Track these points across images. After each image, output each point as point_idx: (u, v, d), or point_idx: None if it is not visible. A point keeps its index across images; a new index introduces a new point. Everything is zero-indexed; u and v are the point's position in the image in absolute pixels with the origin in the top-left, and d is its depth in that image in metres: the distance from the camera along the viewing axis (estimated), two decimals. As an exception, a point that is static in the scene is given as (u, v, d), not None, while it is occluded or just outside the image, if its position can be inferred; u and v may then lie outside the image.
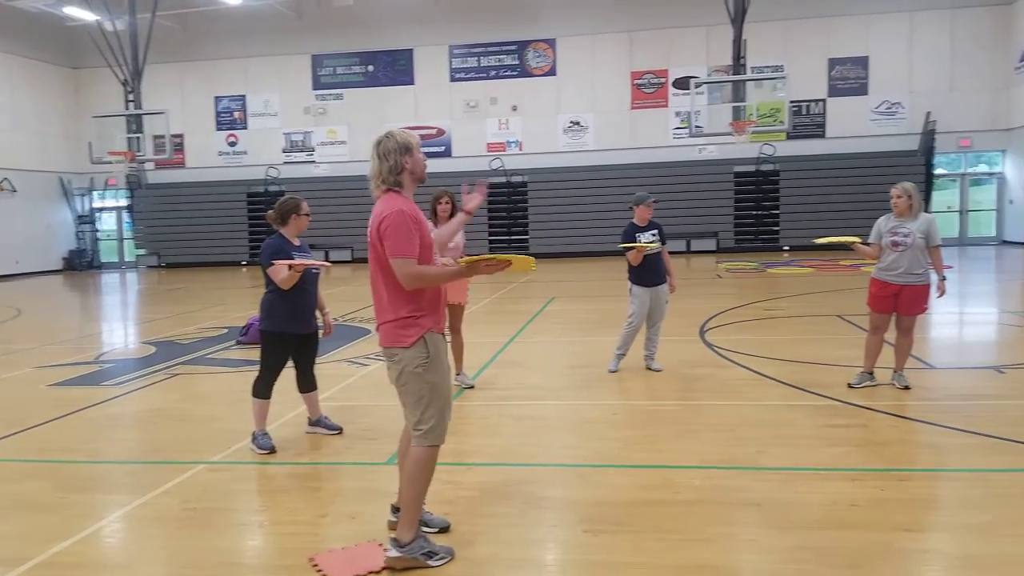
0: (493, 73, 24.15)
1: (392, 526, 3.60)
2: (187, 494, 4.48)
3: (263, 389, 5.25)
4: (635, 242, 7.00)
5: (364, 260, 20.94)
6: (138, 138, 17.25)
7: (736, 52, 16.42)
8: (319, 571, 3.40)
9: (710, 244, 23.27)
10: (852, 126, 22.91)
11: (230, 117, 25.54)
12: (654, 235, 7.11)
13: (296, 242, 5.26)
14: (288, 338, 5.24)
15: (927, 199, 22.02)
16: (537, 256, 22.71)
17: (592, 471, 4.65)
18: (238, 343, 9.61)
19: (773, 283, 14.74)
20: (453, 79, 24.33)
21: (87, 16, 21.42)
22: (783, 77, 17.18)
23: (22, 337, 11.44)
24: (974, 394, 6.06)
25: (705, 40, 22.97)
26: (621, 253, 7.08)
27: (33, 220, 24.50)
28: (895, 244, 6.15)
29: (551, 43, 23.88)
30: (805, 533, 3.63)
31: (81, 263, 25.87)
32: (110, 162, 17.86)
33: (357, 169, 24.58)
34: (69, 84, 25.95)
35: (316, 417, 5.59)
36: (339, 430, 5.51)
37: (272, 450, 5.15)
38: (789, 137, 22.92)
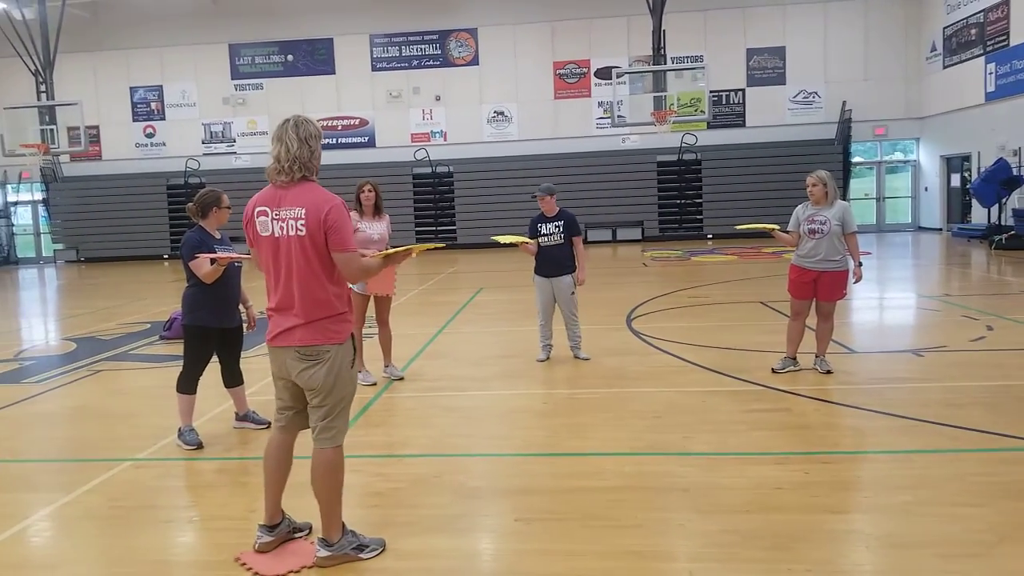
0: (415, 63, 23.83)
1: (263, 546, 3.44)
2: (113, 492, 4.32)
3: (187, 384, 5.11)
4: (536, 233, 7.08)
5: None
6: (52, 130, 16.31)
7: (656, 42, 16.64)
8: (248, 569, 3.29)
9: (635, 233, 23.59)
10: (771, 115, 23.54)
11: (147, 108, 24.45)
12: (557, 226, 7.12)
13: (217, 235, 5.11)
14: (211, 332, 5.07)
15: (845, 187, 22.87)
16: (464, 247, 22.85)
17: (521, 460, 4.62)
18: (161, 338, 9.27)
19: (697, 271, 15.03)
20: (375, 68, 23.89)
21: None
22: (702, 67, 17.51)
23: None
24: (894, 377, 6.27)
25: (626, 30, 23.19)
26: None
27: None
28: (812, 232, 6.30)
29: (473, 33, 23.71)
30: (732, 517, 3.67)
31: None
32: (23, 155, 16.86)
33: (278, 160, 23.95)
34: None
35: (243, 412, 5.43)
36: (267, 424, 5.33)
37: (199, 446, 5.01)
38: (710, 127, 23.41)
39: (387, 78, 23.93)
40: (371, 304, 6.61)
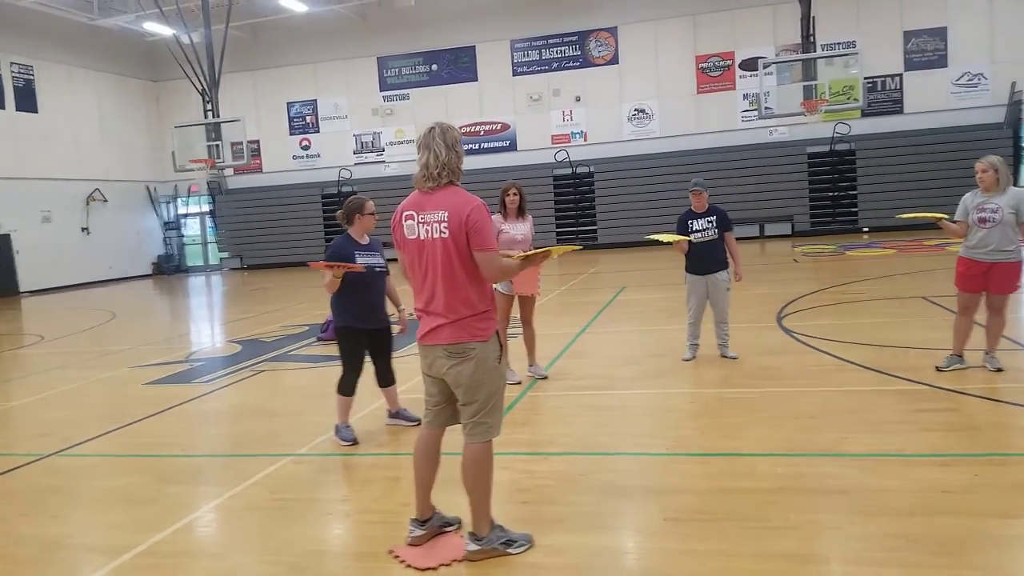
0: (555, 65, 24.06)
1: (415, 541, 3.59)
2: (275, 485, 4.65)
3: (346, 387, 5.39)
4: (687, 230, 6.94)
5: None
6: (217, 145, 17.93)
7: (805, 29, 15.92)
8: (401, 562, 3.48)
9: (785, 228, 22.64)
10: (932, 100, 21.88)
11: (302, 122, 26.23)
12: (710, 222, 6.95)
13: (364, 240, 5.37)
14: (359, 333, 5.35)
15: (1016, 173, 20.89)
16: (605, 247, 22.80)
17: (669, 459, 4.61)
18: (319, 339, 9.88)
19: (853, 266, 14.25)
20: (516, 73, 24.36)
21: (165, 31, 22.33)
22: (855, 53, 16.55)
23: (117, 339, 12.04)
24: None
25: (772, 19, 22.32)
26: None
27: (123, 228, 25.74)
28: (983, 220, 5.88)
29: (612, 31, 23.64)
30: (895, 520, 3.52)
31: (169, 267, 27.04)
32: (192, 169, 18.66)
33: (425, 167, 24.94)
34: (151, 97, 27.13)
35: (395, 409, 5.72)
36: (418, 421, 5.59)
37: (354, 442, 5.30)
38: (864, 114, 22.09)
39: (528, 81, 24.32)
40: (515, 304, 6.79)
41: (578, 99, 24.04)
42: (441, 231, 3.31)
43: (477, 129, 24.69)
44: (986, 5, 21.37)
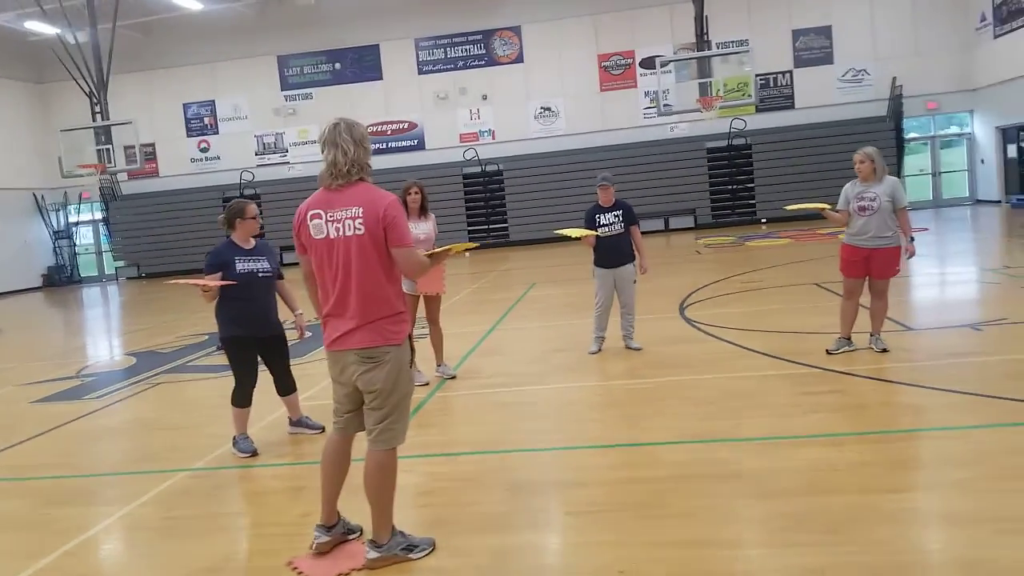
0: (461, 64, 24.04)
1: (320, 547, 3.51)
2: (168, 502, 4.45)
3: (239, 398, 5.21)
4: (595, 224, 7.03)
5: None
6: (107, 149, 17.04)
7: (699, 29, 16.42)
8: (299, 573, 3.37)
9: (688, 221, 23.33)
10: (820, 96, 23.03)
11: (200, 123, 25.27)
12: (616, 216, 7.08)
13: (248, 245, 5.16)
14: (246, 341, 5.15)
15: (899, 163, 22.21)
16: (517, 243, 22.94)
17: (574, 453, 4.65)
18: (217, 349, 9.53)
19: (751, 256, 14.80)
20: (421, 72, 24.20)
21: (49, 30, 21.07)
22: (747, 51, 17.18)
23: (2, 356, 11.31)
24: (952, 352, 6.11)
25: (670, 19, 22.94)
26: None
27: (8, 238, 24.21)
28: (862, 209, 6.18)
29: (516, 31, 23.79)
30: (786, 500, 3.65)
31: (60, 278, 25.59)
32: (81, 175, 17.68)
33: (330, 168, 24.44)
34: (37, 99, 25.56)
35: (297, 417, 5.56)
36: (321, 429, 5.47)
37: (254, 453, 5.11)
38: (759, 110, 23.03)
39: (434, 80, 24.19)
40: (421, 304, 6.72)
41: (485, 98, 24.08)
42: (356, 228, 3.18)
43: (384, 128, 24.39)
44: (867, 4, 22.61)
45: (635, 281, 7.18)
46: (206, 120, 25.18)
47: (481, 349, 8.06)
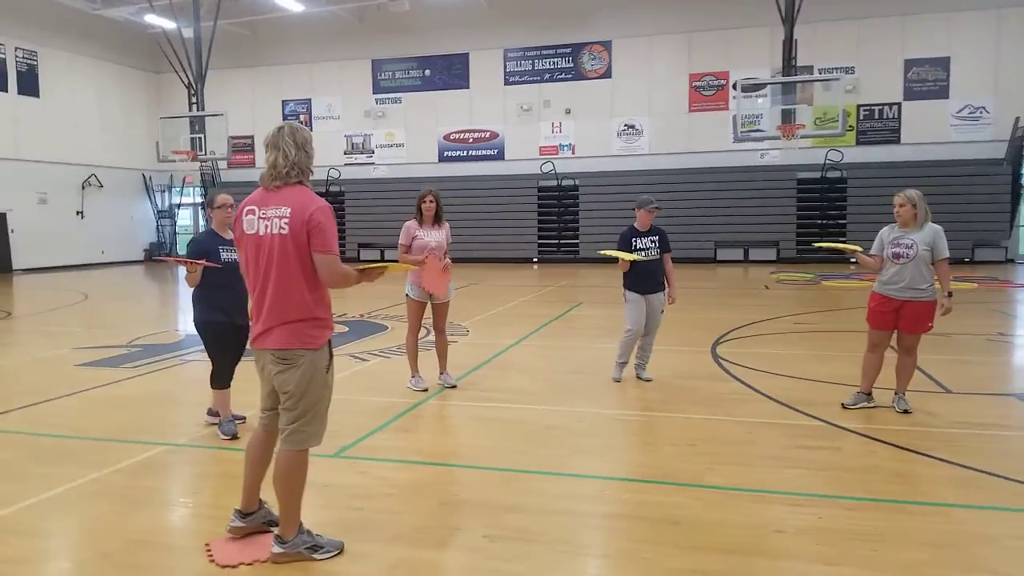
0: (547, 76, 24.04)
1: (235, 531, 3.54)
2: (138, 473, 4.63)
3: (218, 380, 5.34)
4: (630, 247, 6.80)
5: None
6: (200, 138, 17.94)
7: (787, 53, 15.81)
8: (209, 555, 3.42)
9: (770, 254, 22.48)
10: (930, 132, 21.71)
11: (296, 120, 26.24)
12: (653, 241, 6.87)
13: (228, 235, 5.24)
14: (222, 326, 5.24)
15: (1012, 212, 20.72)
16: (587, 261, 22.69)
17: (525, 477, 4.49)
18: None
19: (821, 296, 14.08)
20: (508, 82, 24.33)
21: (166, 23, 22.42)
22: (836, 79, 16.44)
23: (75, 320, 12.09)
24: (981, 423, 5.56)
25: (769, 40, 22.16)
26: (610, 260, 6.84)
27: (118, 213, 25.92)
28: (896, 256, 5.76)
29: (607, 45, 23.60)
30: (710, 556, 3.39)
31: (160, 255, 27.08)
32: (174, 160, 18.74)
33: (414, 171, 24.90)
34: (152, 87, 27.25)
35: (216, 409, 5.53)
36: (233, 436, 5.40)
37: (235, 436, 5.24)
38: (860, 143, 22.02)
39: (519, 92, 24.29)
40: (428, 312, 6.70)
41: (568, 111, 23.99)
42: (281, 227, 3.22)
43: (466, 136, 24.66)
44: (992, 36, 21.20)
45: (662, 311, 6.96)
46: (301, 117, 26.13)
47: (496, 362, 7.96)
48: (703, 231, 22.92)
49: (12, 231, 22.15)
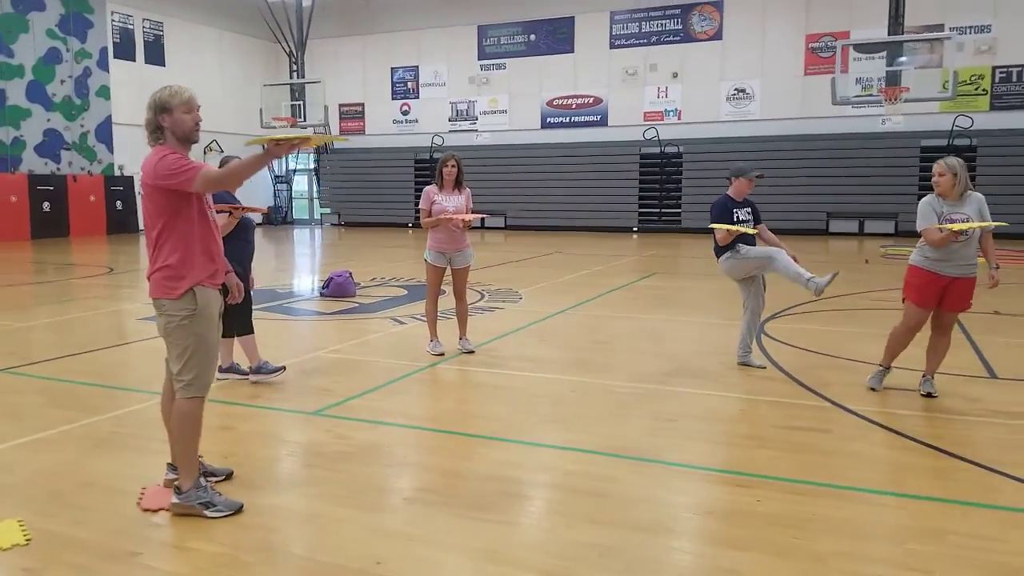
0: (654, 39, 23.26)
1: (167, 483, 3.69)
2: (128, 420, 4.92)
3: (240, 327, 5.65)
4: (733, 219, 6.21)
5: (518, 227, 21.54)
6: (299, 105, 18.72)
7: (893, 10, 14.49)
8: (140, 498, 3.66)
9: (888, 226, 20.99)
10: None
11: (404, 87, 26.87)
12: (749, 213, 6.30)
13: (238, 195, 5.60)
14: (240, 277, 5.48)
15: None
16: (690, 231, 22.04)
17: (482, 443, 4.52)
18: (321, 295, 10.26)
19: (923, 272, 13.01)
20: (613, 46, 23.75)
21: (281, -6, 23.46)
22: (947, 37, 14.89)
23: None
24: (1007, 411, 5.05)
25: (896, -2, 20.46)
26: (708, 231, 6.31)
27: (238, 178, 27.57)
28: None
29: (718, 6, 22.51)
30: (614, 532, 3.30)
31: (276, 219, 28.69)
32: (275, 127, 19.64)
33: (516, 138, 24.94)
34: (271, 56, 28.63)
35: (228, 364, 5.81)
36: (246, 375, 5.76)
37: (283, 368, 5.74)
38: (994, 107, 20.01)
39: (624, 55, 23.68)
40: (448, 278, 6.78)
41: (675, 75, 23.17)
42: (139, 191, 3.46)
43: (569, 102, 24.36)
44: None
45: (764, 288, 6.47)
46: (409, 84, 26.70)
47: (530, 330, 7.95)
48: (815, 201, 21.68)
49: (139, 193, 24.05)
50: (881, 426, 4.74)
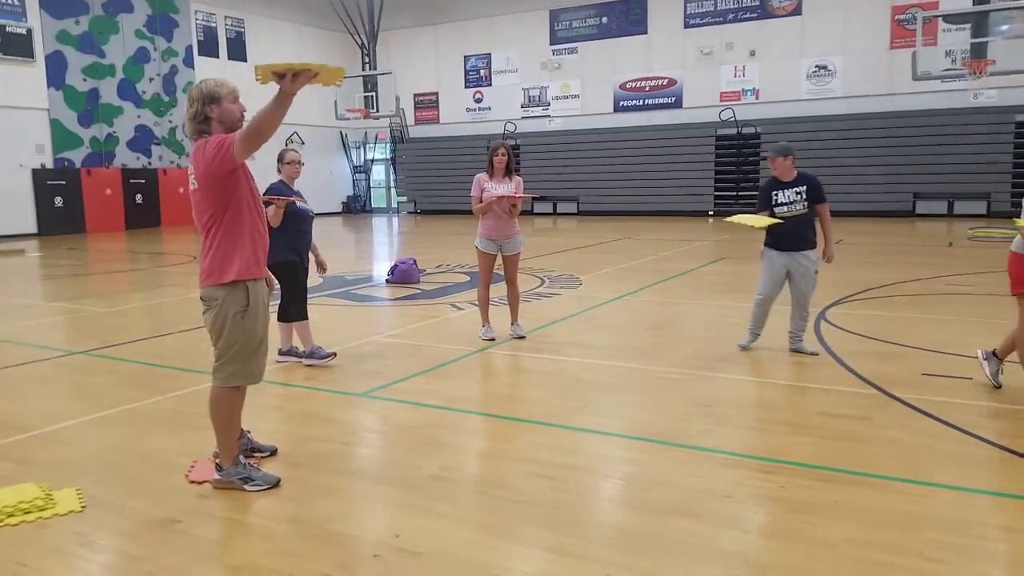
0: (731, 16, 22.68)
1: (215, 457, 3.86)
2: (193, 400, 5.19)
3: (298, 311, 5.94)
4: (770, 202, 6.02)
5: (591, 213, 21.58)
6: (372, 96, 19.16)
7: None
8: (189, 471, 3.94)
9: (979, 207, 19.92)
10: None
11: (477, 75, 27.10)
12: (799, 193, 5.97)
13: (295, 187, 5.83)
14: (295, 266, 5.82)
15: None
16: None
17: (513, 425, 4.62)
18: (386, 282, 10.56)
19: (1005, 257, 12.32)
20: (687, 25, 23.29)
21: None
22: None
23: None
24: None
25: (991, -38, 19.28)
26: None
27: (318, 168, 28.34)
28: None
29: (797, -21, 21.76)
30: (629, 514, 3.36)
31: (355, 207, 29.52)
32: (348, 118, 20.17)
33: (589, 123, 24.81)
34: (348, 48, 29.33)
35: (287, 348, 6.07)
36: (301, 358, 5.98)
37: (334, 355, 5.95)
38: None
39: (699, 35, 23.20)
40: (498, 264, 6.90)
41: (752, 54, 22.55)
42: (192, 183, 3.57)
43: (642, 85, 24.05)
44: None
45: (816, 272, 6.09)
46: (482, 72, 26.90)
47: (584, 316, 8.00)
48: (901, 181, 20.77)
49: (192, 188, 25.15)
50: (929, 415, 4.59)
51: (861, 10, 21.08)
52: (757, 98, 22.62)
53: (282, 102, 3.19)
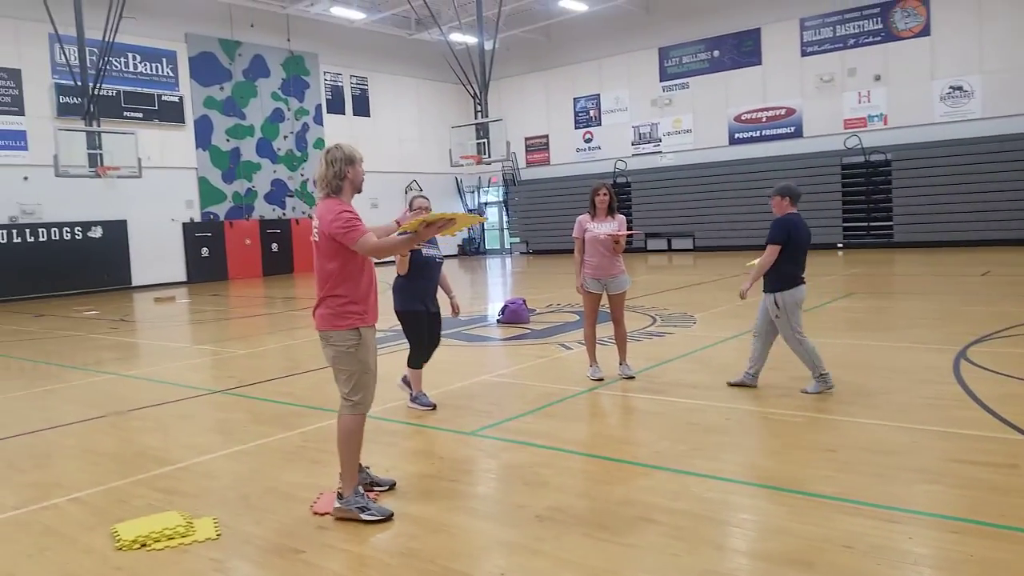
0: (851, 42, 21.86)
1: (338, 489, 4.05)
2: (316, 435, 5.48)
3: (416, 360, 6.09)
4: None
5: (707, 248, 21.40)
6: (484, 143, 19.70)
7: None
8: (313, 503, 4.15)
9: None
10: None
11: (586, 116, 27.38)
12: None
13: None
14: (419, 315, 5.96)
15: None
16: (904, 245, 20.27)
17: (624, 468, 4.56)
18: (497, 322, 10.73)
19: None
20: (805, 54, 22.63)
21: (470, 40, 24.91)
22: None
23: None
24: None
25: None
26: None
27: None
28: None
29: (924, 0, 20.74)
30: (741, 560, 3.26)
31: (471, 249, 30.27)
32: (462, 165, 20.82)
33: (701, 157, 24.45)
34: (463, 98, 30.37)
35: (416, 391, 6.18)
36: (432, 406, 6.06)
37: (433, 407, 5.99)
38: None
39: (818, 62, 22.49)
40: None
41: (877, 78, 21.58)
42: (314, 235, 3.95)
43: (759, 116, 23.50)
44: None
45: (776, 315, 6.19)
46: (591, 112, 27.14)
47: (695, 356, 7.82)
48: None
49: (314, 239, 26.57)
50: (1080, 463, 4.19)
51: (998, 26, 19.81)
52: (885, 124, 21.58)
53: (409, 243, 3.82)
